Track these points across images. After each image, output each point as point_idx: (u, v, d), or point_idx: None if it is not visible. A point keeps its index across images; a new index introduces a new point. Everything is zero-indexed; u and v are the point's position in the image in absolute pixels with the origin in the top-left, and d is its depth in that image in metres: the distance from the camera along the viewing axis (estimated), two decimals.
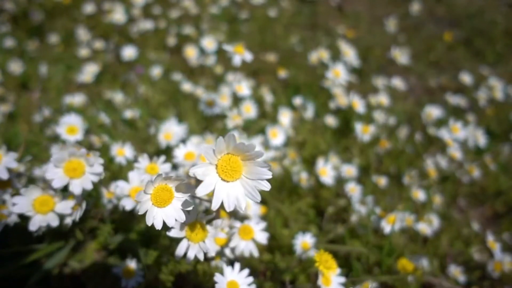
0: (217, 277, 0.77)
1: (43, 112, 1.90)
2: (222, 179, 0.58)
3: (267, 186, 0.58)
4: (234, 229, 0.92)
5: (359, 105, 1.86)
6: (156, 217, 0.63)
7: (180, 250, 0.73)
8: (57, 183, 0.76)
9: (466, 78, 2.47)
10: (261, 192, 1.33)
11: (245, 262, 1.09)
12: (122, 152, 1.22)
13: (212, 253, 0.74)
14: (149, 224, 0.62)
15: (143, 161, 0.99)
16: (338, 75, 1.65)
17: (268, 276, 1.18)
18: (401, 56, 2.21)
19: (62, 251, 1.11)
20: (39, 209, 0.81)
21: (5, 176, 0.81)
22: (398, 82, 2.31)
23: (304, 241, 1.15)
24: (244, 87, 1.73)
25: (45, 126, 1.83)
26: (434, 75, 2.97)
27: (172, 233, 0.72)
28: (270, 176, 0.57)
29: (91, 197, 1.10)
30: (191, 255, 0.72)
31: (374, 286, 1.20)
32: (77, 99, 1.99)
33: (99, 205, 1.11)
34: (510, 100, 2.43)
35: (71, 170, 0.77)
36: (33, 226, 0.80)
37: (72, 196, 0.85)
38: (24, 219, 0.88)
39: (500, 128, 2.41)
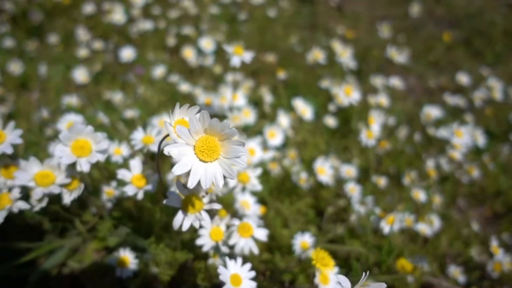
0: (221, 269, 0.78)
1: (42, 112, 1.90)
2: (200, 159, 0.59)
3: (243, 164, 0.58)
4: (233, 227, 0.93)
5: (375, 123, 1.80)
6: (174, 152, 0.62)
7: (176, 221, 0.75)
8: (65, 161, 0.78)
9: (464, 79, 2.47)
10: (261, 192, 1.33)
11: (244, 262, 1.09)
12: (119, 151, 1.23)
13: (206, 224, 0.76)
14: (166, 152, 0.61)
15: (138, 133, 1.04)
16: (349, 93, 1.64)
17: (267, 276, 1.18)
18: (397, 55, 2.20)
19: (61, 250, 1.11)
20: (40, 182, 0.83)
21: (9, 150, 0.82)
22: (396, 82, 2.31)
23: (303, 241, 1.15)
24: (239, 97, 1.72)
25: (44, 126, 1.82)
26: (433, 75, 2.97)
27: (169, 202, 0.74)
28: (245, 153, 0.58)
29: (91, 194, 1.10)
30: (186, 224, 0.74)
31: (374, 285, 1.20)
32: (76, 99, 1.99)
33: (98, 203, 1.11)
34: (509, 101, 2.43)
35: (79, 148, 0.79)
36: (36, 195, 0.82)
37: (76, 182, 0.87)
38: (22, 213, 0.88)
39: (500, 129, 2.41)
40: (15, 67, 2.32)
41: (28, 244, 1.09)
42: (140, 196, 0.92)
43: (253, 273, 0.81)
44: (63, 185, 0.87)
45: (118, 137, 1.57)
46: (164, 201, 0.74)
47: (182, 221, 0.74)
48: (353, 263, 1.22)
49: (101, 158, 0.80)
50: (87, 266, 1.18)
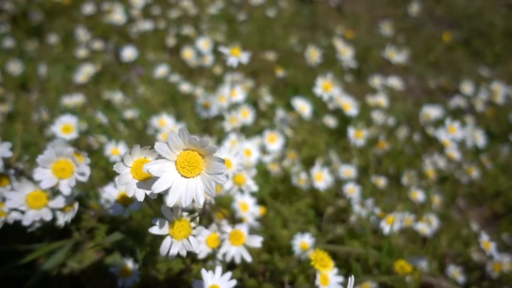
0: (196, 283, 0.74)
1: (42, 112, 1.90)
2: (181, 175, 0.57)
3: (224, 180, 0.56)
4: (224, 235, 0.91)
5: (351, 107, 1.76)
6: (137, 190, 0.61)
7: (163, 248, 0.71)
8: (46, 184, 0.75)
9: (467, 87, 2.45)
10: (261, 193, 1.32)
11: (243, 262, 1.09)
12: (117, 151, 1.23)
13: (195, 250, 0.73)
14: (130, 195, 0.60)
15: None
16: (328, 89, 1.57)
17: (267, 276, 1.18)
18: (395, 54, 2.18)
19: (60, 251, 1.11)
20: (32, 204, 0.81)
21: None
22: (396, 82, 2.30)
23: (303, 242, 1.15)
24: (238, 93, 1.71)
25: (43, 127, 1.82)
26: (433, 76, 2.97)
27: (155, 230, 0.71)
28: (226, 171, 0.56)
29: (89, 197, 1.09)
30: (173, 252, 0.71)
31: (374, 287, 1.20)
32: (76, 99, 1.99)
33: (97, 205, 1.11)
34: (510, 102, 2.43)
35: (60, 170, 0.77)
36: (26, 221, 0.80)
37: (70, 207, 0.85)
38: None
39: (500, 129, 2.41)
40: (15, 67, 2.32)
41: (28, 245, 1.09)
42: (126, 215, 0.90)
43: (234, 282, 0.77)
44: (56, 209, 0.85)
45: (117, 137, 1.57)
46: (149, 230, 0.70)
47: (169, 248, 0.71)
48: (353, 263, 1.23)
49: (83, 179, 0.78)
50: (87, 267, 1.18)
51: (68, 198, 0.84)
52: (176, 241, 0.72)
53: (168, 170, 0.57)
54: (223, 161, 0.55)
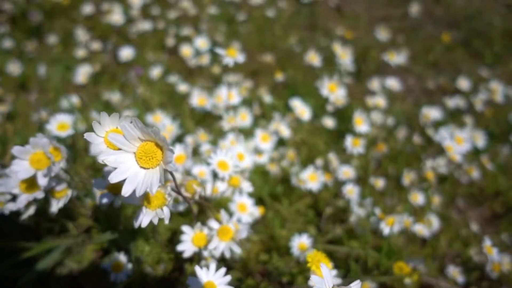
0: (191, 280, 0.74)
1: (41, 112, 1.89)
2: (141, 166, 0.58)
3: (174, 168, 0.57)
4: (212, 231, 0.90)
5: (363, 123, 1.72)
6: (109, 160, 0.60)
7: (137, 218, 0.72)
8: (22, 175, 0.76)
9: (464, 83, 2.44)
10: (259, 192, 1.32)
11: (242, 263, 1.08)
12: None
13: (166, 220, 0.73)
14: (100, 160, 0.59)
15: None
16: (333, 90, 1.57)
17: (266, 277, 1.18)
18: (395, 57, 2.18)
19: (57, 250, 1.11)
20: (24, 189, 0.82)
21: None
22: (395, 83, 2.30)
23: (301, 242, 1.15)
24: (234, 95, 1.71)
25: (43, 127, 1.82)
26: (432, 76, 2.97)
27: (129, 200, 0.71)
28: (173, 158, 0.56)
29: (86, 196, 1.09)
30: (145, 221, 0.71)
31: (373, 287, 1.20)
32: (75, 99, 1.98)
33: (93, 204, 1.11)
34: (509, 102, 2.43)
35: (36, 161, 0.78)
36: (20, 204, 0.81)
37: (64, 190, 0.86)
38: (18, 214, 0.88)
39: (499, 129, 2.40)
40: (14, 68, 2.32)
41: (25, 243, 1.09)
42: (117, 204, 0.89)
43: (229, 278, 0.77)
44: (48, 190, 0.85)
45: None
46: (125, 199, 0.70)
47: (142, 217, 0.72)
48: (352, 264, 1.22)
49: (56, 170, 0.78)
50: (86, 267, 1.17)
51: (45, 187, 0.83)
52: (150, 210, 0.73)
53: (126, 161, 0.58)
54: (172, 151, 0.56)
